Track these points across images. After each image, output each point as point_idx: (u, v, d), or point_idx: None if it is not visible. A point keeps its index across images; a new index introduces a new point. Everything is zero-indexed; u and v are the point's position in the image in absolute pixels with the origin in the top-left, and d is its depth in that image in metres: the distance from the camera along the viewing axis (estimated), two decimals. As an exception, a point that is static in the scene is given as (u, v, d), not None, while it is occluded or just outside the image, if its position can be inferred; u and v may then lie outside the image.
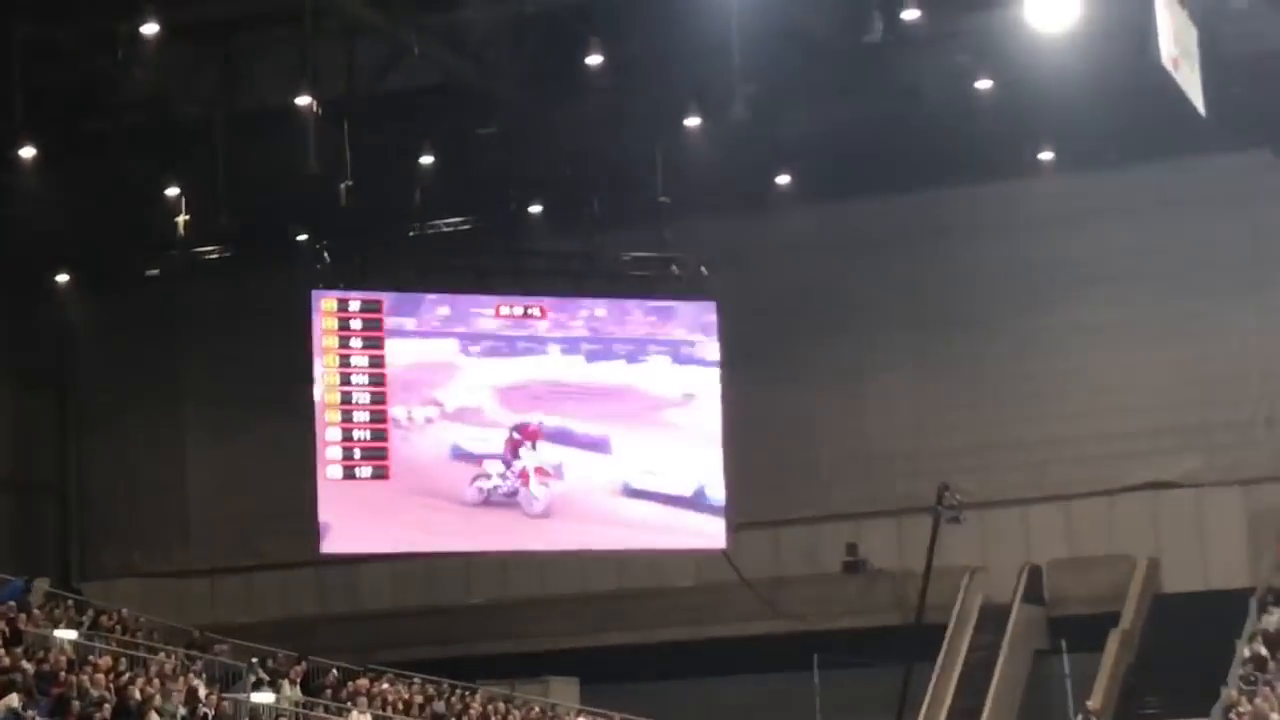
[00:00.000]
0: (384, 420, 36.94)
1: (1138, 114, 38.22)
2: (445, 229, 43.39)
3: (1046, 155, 41.24)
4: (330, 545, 37.04)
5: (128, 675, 29.24)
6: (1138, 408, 42.82)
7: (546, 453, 38.01)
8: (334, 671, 34.95)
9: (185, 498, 48.55)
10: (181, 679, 30.66)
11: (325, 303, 36.71)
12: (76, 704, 26.76)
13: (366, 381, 36.87)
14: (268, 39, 36.91)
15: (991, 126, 39.06)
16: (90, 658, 29.89)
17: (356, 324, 36.90)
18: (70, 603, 36.56)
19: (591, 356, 38.57)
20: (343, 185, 36.37)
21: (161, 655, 32.57)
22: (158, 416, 48.47)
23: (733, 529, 39.64)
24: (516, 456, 37.89)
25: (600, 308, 38.69)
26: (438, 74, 37.37)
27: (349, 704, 33.36)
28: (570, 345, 38.49)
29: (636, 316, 38.96)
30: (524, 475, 37.88)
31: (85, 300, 46.37)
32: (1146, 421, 42.82)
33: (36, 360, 48.66)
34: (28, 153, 35.14)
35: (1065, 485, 43.41)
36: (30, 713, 25.74)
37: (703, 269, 39.03)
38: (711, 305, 39.11)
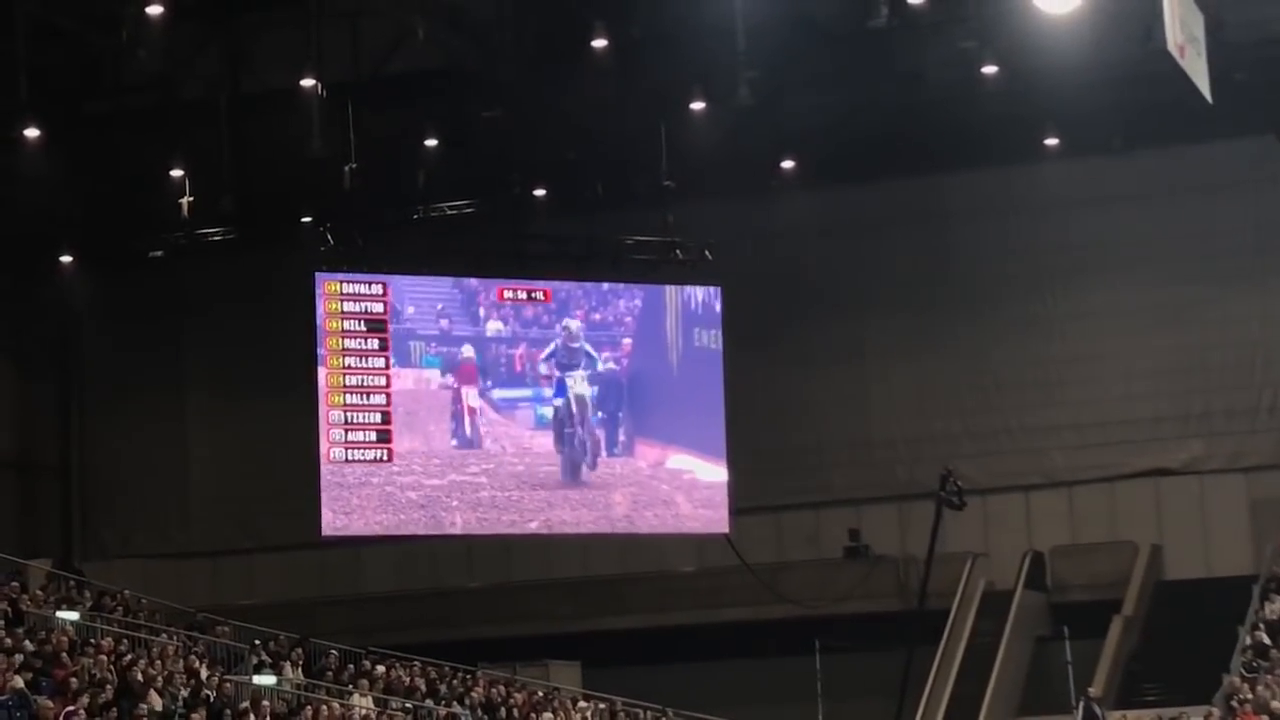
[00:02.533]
0: (387, 403, 36.92)
1: (1143, 100, 38.27)
2: (449, 212, 43.34)
3: (1051, 141, 41.24)
4: (332, 528, 37.02)
5: (130, 656, 29.24)
6: (1140, 394, 42.83)
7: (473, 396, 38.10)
8: (333, 653, 34.94)
9: (187, 479, 48.53)
10: (183, 660, 30.67)
11: (328, 285, 36.68)
12: (79, 685, 26.76)
13: (369, 364, 36.84)
14: (272, 20, 36.95)
15: (996, 112, 39.06)
16: (92, 639, 29.90)
17: (359, 306, 36.86)
18: (72, 583, 36.55)
19: (594, 336, 38.64)
20: (347, 168, 36.38)
21: (163, 637, 32.56)
22: (160, 397, 48.44)
23: (735, 513, 39.62)
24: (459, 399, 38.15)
25: (604, 291, 38.71)
26: (442, 57, 37.37)
27: (350, 686, 33.35)
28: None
29: (639, 299, 38.95)
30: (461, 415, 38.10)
31: (88, 281, 46.33)
32: (1149, 408, 42.83)
33: (39, 341, 48.65)
34: (32, 133, 35.11)
35: (1068, 471, 43.44)
36: (34, 695, 25.74)
37: (706, 253, 38.99)
38: (715, 289, 39.08)
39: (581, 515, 38.66)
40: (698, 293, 39.09)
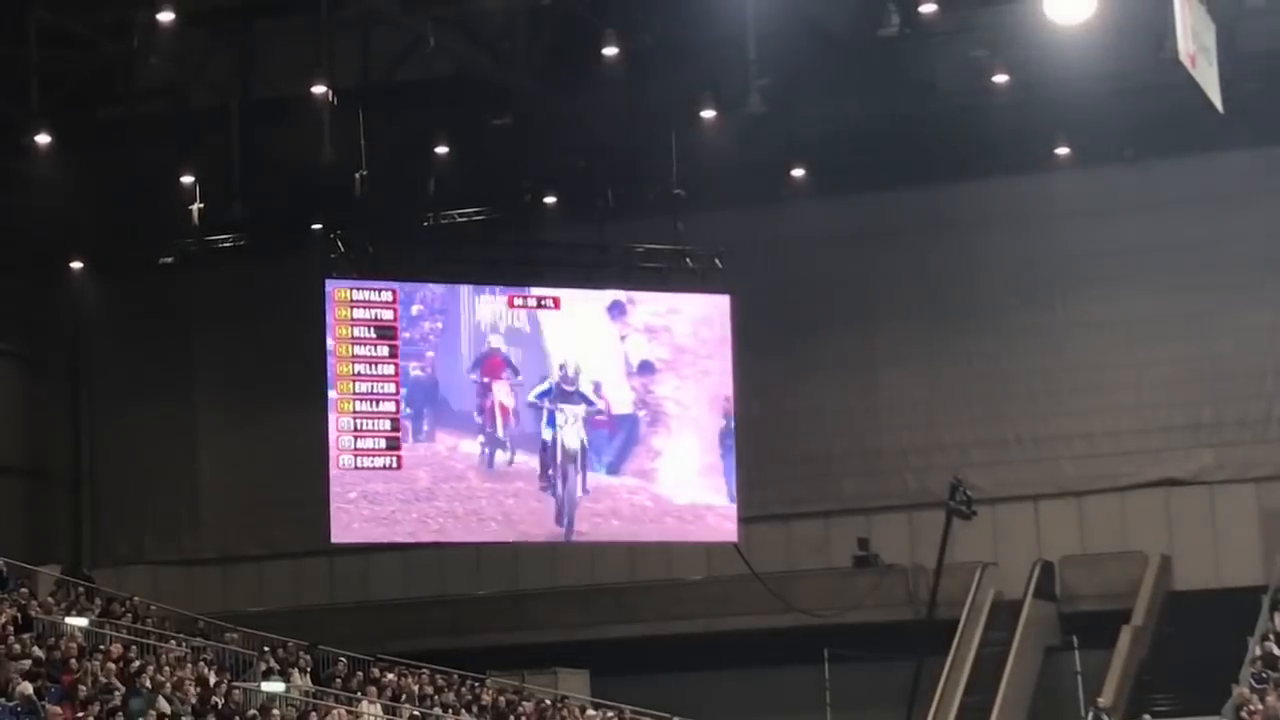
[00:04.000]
0: (396, 410, 36.92)
1: (1154, 110, 38.26)
2: (459, 219, 43.37)
3: (1062, 150, 41.22)
4: (341, 535, 37.02)
5: (138, 663, 29.25)
6: (1150, 404, 42.78)
7: (504, 392, 37.80)
8: (341, 660, 34.96)
9: (197, 485, 48.55)
10: (191, 667, 30.69)
11: (339, 292, 36.69)
12: (87, 691, 26.78)
13: (379, 371, 36.86)
14: (284, 28, 36.98)
15: (1007, 121, 39.04)
16: (101, 645, 29.92)
17: (369, 313, 36.88)
18: (81, 589, 36.58)
19: (722, 341, 38.57)
20: (357, 174, 36.39)
21: (172, 643, 32.59)
22: (170, 404, 48.47)
23: (744, 522, 39.59)
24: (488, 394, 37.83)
25: (614, 299, 38.63)
26: (453, 64, 37.38)
27: (359, 694, 33.36)
28: (702, 332, 38.47)
29: (650, 308, 38.88)
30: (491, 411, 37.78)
31: (99, 287, 46.43)
32: (1159, 418, 42.78)
33: (49, 347, 48.71)
34: (43, 139, 35.18)
35: (1078, 481, 43.37)
36: (43, 701, 25.75)
37: (716, 261, 38.97)
38: (725, 298, 39.06)
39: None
40: (485, 320, 38.31)
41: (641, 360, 38.45)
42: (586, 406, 38.13)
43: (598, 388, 38.32)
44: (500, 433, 37.79)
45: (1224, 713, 35.78)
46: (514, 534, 38.58)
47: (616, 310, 38.32)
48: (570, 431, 37.95)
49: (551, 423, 37.93)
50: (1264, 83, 37.19)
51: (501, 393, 37.75)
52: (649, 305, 38.57)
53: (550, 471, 37.86)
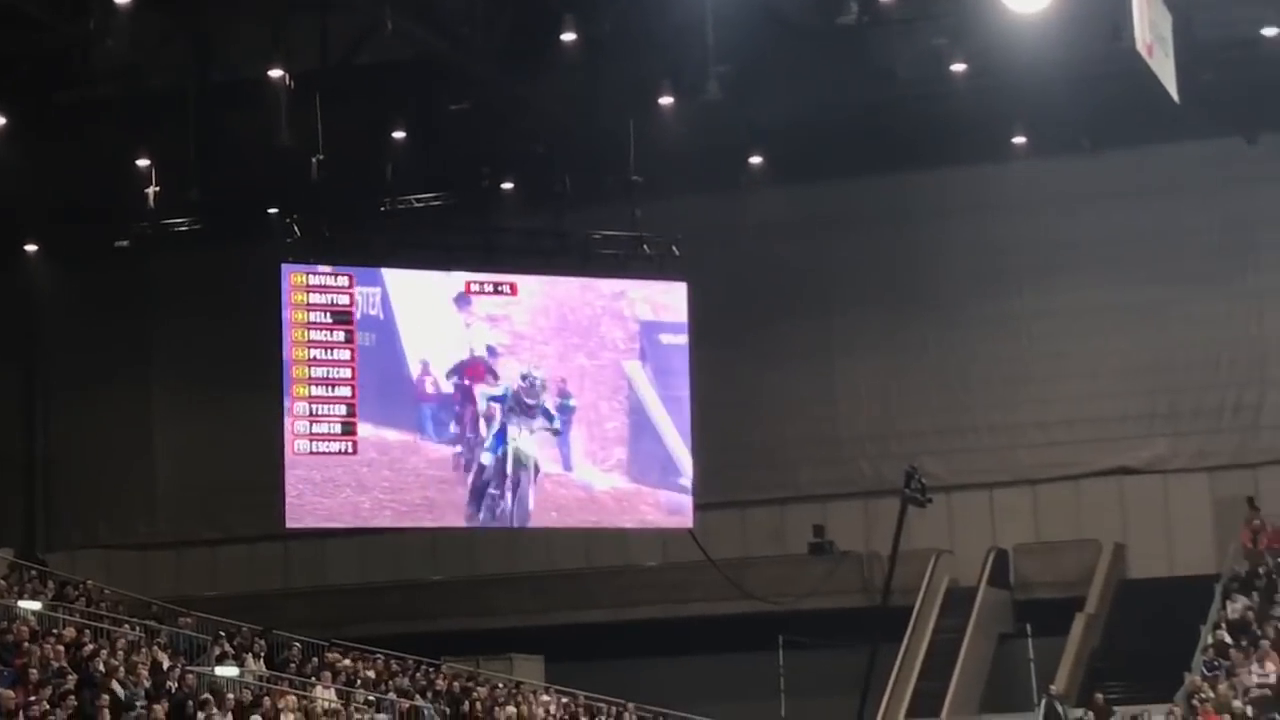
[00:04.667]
0: (352, 395, 36.81)
1: (1111, 99, 38.34)
2: (416, 204, 43.24)
3: (1019, 139, 41.31)
4: (296, 519, 36.89)
5: (91, 647, 29.14)
6: (1105, 393, 42.95)
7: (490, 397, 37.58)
8: (296, 645, 34.89)
9: (152, 470, 48.44)
10: (145, 651, 30.59)
11: (295, 276, 36.51)
12: (39, 675, 26.67)
13: (335, 355, 36.75)
14: (241, 11, 36.75)
15: (965, 110, 39.08)
16: (54, 629, 29.80)
17: (326, 298, 36.75)
18: (34, 573, 36.42)
19: (560, 329, 38.38)
20: (314, 159, 36.24)
21: (125, 627, 32.47)
22: (125, 388, 48.34)
23: (699, 509, 39.58)
24: (471, 401, 37.61)
25: (570, 284, 38.50)
26: (411, 49, 37.25)
27: (313, 678, 33.29)
28: (539, 320, 38.27)
29: (606, 294, 38.76)
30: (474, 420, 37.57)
31: (54, 271, 46.21)
32: (1114, 407, 42.95)
33: (4, 331, 48.47)
34: (-3, 122, 35.00)
35: (1032, 469, 43.56)
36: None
37: (674, 248, 38.90)
38: (682, 285, 39.02)
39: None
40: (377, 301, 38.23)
41: (486, 345, 38.27)
42: (544, 422, 37.86)
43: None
44: (488, 440, 37.59)
45: (1176, 700, 36.00)
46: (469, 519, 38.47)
47: (463, 301, 38.14)
48: (525, 440, 37.68)
49: (501, 440, 37.68)
50: (1220, 73, 37.31)
51: (482, 399, 37.55)
52: (491, 298, 38.14)
53: (492, 489, 37.52)
